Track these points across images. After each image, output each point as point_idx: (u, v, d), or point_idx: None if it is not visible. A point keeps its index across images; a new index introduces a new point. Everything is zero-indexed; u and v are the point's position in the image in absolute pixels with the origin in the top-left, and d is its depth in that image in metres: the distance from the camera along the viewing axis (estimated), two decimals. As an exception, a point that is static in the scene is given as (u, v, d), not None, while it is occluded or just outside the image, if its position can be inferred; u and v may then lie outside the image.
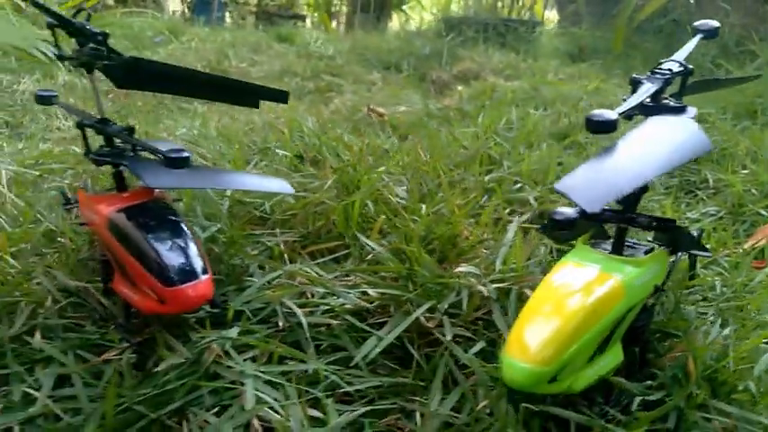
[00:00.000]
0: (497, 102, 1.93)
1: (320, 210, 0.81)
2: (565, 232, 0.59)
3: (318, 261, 0.75)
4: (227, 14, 4.42)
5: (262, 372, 0.58)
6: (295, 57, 2.73)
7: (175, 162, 0.54)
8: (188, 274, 0.53)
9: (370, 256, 0.77)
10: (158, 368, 0.55)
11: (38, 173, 1.00)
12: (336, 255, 0.78)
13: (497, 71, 2.49)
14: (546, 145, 1.30)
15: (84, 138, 0.65)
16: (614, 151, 0.48)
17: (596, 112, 0.47)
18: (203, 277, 0.54)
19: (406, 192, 0.92)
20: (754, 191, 1.12)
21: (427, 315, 0.65)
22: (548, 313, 0.50)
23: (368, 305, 0.68)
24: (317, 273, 0.71)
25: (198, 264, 0.55)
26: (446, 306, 0.65)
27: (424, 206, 0.81)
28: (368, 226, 0.82)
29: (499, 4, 3.94)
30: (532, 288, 0.65)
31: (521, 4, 3.54)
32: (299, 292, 0.68)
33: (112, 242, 0.57)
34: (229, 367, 0.59)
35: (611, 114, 0.47)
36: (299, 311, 0.65)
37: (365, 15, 4.13)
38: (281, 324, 0.65)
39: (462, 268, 0.66)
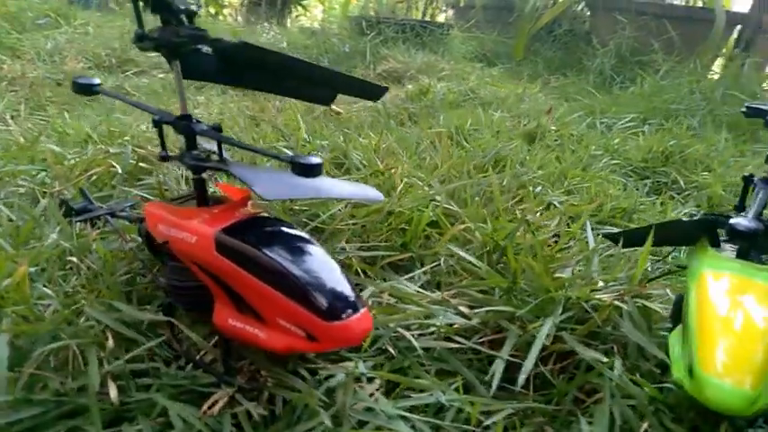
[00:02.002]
0: (442, 103, 1.92)
1: (375, 219, 0.74)
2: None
3: (406, 276, 0.68)
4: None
5: (390, 407, 0.51)
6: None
7: (310, 170, 0.45)
8: (349, 304, 0.44)
9: (437, 267, 0.71)
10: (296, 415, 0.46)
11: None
12: (406, 267, 0.71)
13: (423, 71, 2.49)
14: (517, 145, 1.30)
15: (161, 138, 0.53)
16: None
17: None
18: (363, 308, 0.45)
19: (444, 196, 0.86)
20: (722, 192, 1.20)
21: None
22: (736, 331, 0.48)
23: (472, 323, 0.62)
24: (410, 289, 0.64)
25: (353, 291, 0.46)
26: (558, 320, 0.61)
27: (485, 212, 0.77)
28: (421, 234, 0.76)
29: (399, 5, 3.97)
30: (646, 298, 0.63)
31: (433, 5, 3.58)
32: (397, 312, 0.61)
33: (226, 267, 0.46)
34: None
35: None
36: (408, 335, 0.58)
37: (268, 9, 3.97)
38: (392, 351, 0.57)
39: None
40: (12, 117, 1.44)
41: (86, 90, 0.55)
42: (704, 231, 0.62)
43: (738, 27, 2.97)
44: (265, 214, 0.52)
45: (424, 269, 0.70)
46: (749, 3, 3.02)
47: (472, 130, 1.43)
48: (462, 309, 0.65)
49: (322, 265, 0.46)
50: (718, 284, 0.53)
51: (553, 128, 1.54)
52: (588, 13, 3.31)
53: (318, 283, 0.44)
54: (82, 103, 1.67)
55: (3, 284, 0.54)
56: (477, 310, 0.64)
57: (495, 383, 0.55)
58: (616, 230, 0.78)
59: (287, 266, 0.45)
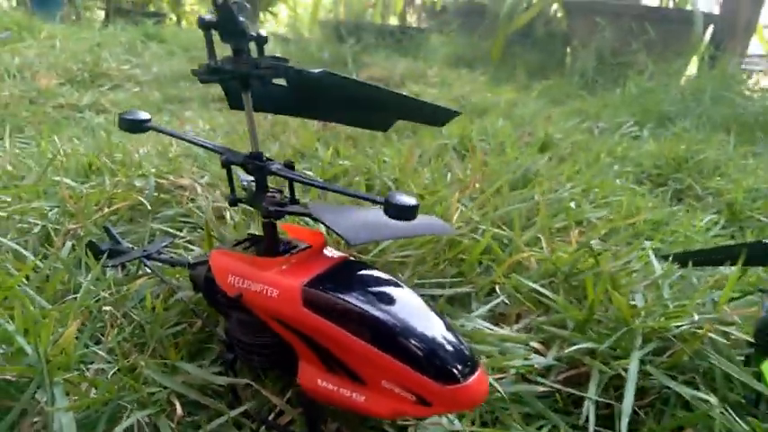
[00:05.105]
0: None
1: (430, 250, 0.69)
2: None
3: (475, 312, 0.63)
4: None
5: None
6: (185, 59, 2.45)
7: (406, 212, 0.40)
8: (466, 364, 0.40)
9: (495, 298, 0.67)
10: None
11: None
12: (462, 300, 0.67)
13: (407, 78, 2.46)
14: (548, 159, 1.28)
15: (231, 180, 0.47)
16: None
17: None
18: (479, 368, 0.41)
19: (479, 216, 0.82)
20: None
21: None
22: None
23: (547, 360, 0.58)
24: (480, 326, 0.60)
25: (468, 349, 0.41)
26: (642, 354, 0.58)
27: (542, 237, 0.73)
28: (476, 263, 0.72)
29: (370, 10, 3.93)
30: (729, 324, 0.60)
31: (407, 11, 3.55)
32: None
33: (317, 324, 0.41)
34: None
35: None
36: (495, 384, 0.54)
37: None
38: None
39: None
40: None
41: (136, 127, 0.49)
42: None
43: (711, 27, 3.03)
44: (351, 258, 0.48)
45: (487, 302, 0.66)
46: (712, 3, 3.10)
47: (478, 141, 1.40)
48: (534, 345, 0.61)
49: (430, 319, 0.42)
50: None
51: (558, 135, 1.52)
52: (560, 15, 3.33)
53: (431, 342, 0.40)
54: (62, 123, 1.57)
55: (49, 348, 0.48)
56: (551, 346, 0.60)
57: (591, 428, 0.52)
58: (675, 252, 0.76)
59: (392, 323, 0.40)
